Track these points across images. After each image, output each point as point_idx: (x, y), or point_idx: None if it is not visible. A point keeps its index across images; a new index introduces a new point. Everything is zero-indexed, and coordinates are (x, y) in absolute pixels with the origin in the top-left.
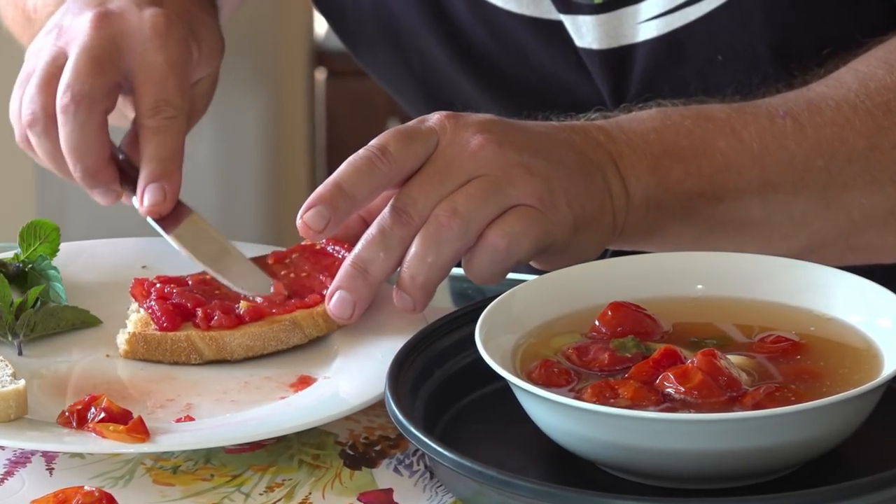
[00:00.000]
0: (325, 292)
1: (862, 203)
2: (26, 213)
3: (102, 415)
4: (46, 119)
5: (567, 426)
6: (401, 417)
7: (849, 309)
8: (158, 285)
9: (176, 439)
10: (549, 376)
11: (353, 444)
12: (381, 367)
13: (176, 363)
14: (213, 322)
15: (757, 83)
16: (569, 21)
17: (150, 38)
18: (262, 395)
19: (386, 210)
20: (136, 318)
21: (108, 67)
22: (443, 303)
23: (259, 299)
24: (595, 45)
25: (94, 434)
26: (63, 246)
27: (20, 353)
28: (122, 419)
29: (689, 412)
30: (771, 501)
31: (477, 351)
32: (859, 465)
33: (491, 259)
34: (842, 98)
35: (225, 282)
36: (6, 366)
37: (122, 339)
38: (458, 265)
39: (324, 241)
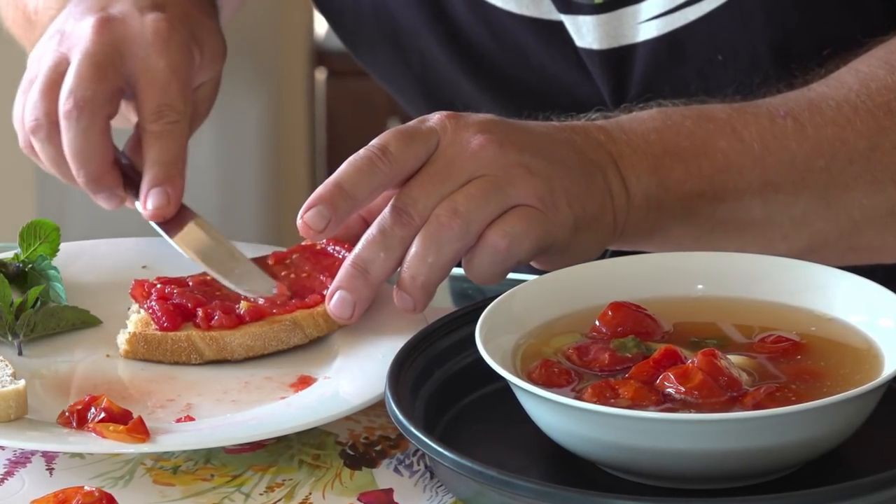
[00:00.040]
0: (325, 292)
1: (863, 203)
2: (26, 213)
3: (102, 415)
4: (50, 125)
5: (567, 426)
6: (401, 417)
7: (849, 309)
8: (159, 286)
9: (176, 439)
10: (549, 376)
11: (353, 444)
12: (381, 367)
13: (176, 363)
14: (213, 322)
15: (758, 83)
16: (569, 21)
17: (152, 43)
18: (262, 395)
19: (386, 210)
20: (136, 318)
21: (110, 73)
22: (443, 303)
23: (262, 300)
24: (595, 46)
25: (94, 434)
26: (63, 246)
27: (20, 353)
28: (123, 419)
29: (690, 412)
30: (771, 501)
31: (477, 351)
32: (860, 465)
33: (491, 259)
34: (843, 98)
35: (229, 284)
36: (6, 366)
37: (122, 339)
38: (459, 265)
39: (324, 241)
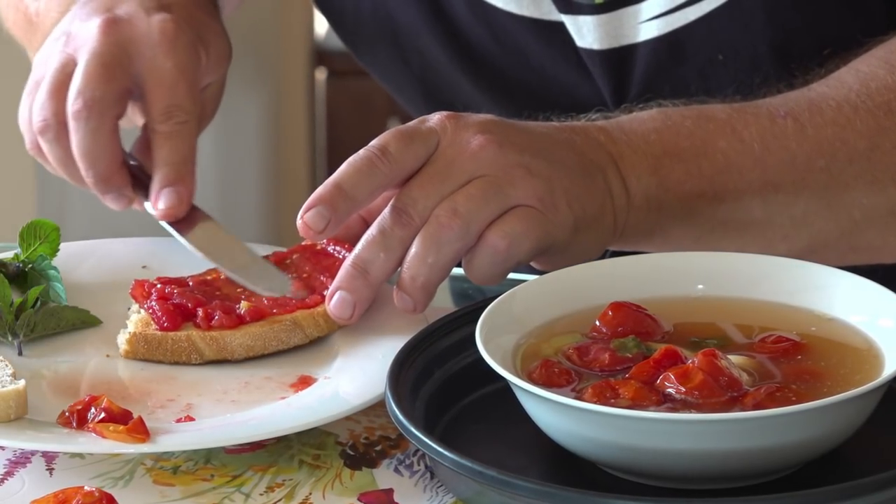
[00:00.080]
0: (325, 293)
1: (863, 203)
2: (26, 213)
3: (102, 415)
4: (58, 126)
5: (568, 426)
6: (401, 417)
7: (850, 309)
8: (159, 286)
9: (176, 439)
10: (549, 376)
11: (353, 444)
12: (381, 367)
13: (176, 363)
14: (213, 322)
15: (758, 83)
16: (569, 21)
17: (159, 44)
18: (262, 395)
19: (386, 210)
20: (136, 318)
21: (118, 73)
22: (443, 303)
23: (288, 295)
24: (596, 46)
25: (94, 434)
26: (63, 246)
27: (20, 353)
28: (123, 419)
29: (690, 412)
30: (772, 501)
31: (477, 351)
32: (860, 465)
33: (491, 259)
34: (843, 98)
35: (244, 283)
36: (6, 366)
37: (122, 339)
38: (459, 265)
39: (324, 241)
